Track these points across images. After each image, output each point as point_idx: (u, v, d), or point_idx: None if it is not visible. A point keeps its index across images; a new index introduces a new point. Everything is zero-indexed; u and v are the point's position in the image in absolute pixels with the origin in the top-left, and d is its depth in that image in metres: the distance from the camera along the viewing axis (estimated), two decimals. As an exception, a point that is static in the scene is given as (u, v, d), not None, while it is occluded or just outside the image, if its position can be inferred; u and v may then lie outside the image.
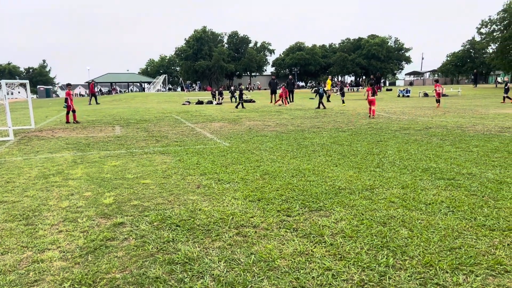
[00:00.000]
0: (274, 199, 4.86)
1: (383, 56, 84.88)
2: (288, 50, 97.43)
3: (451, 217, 4.11)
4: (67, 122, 14.97)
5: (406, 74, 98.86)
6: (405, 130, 11.31)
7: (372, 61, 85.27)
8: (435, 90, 21.76)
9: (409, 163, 6.83)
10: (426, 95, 35.19)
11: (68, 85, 16.26)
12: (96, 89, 39.74)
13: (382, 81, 53.11)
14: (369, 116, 15.40)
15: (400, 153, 7.75)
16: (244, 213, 4.36)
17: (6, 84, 12.15)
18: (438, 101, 21.28)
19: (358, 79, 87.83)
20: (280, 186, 5.43)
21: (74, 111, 14.81)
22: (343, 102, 25.32)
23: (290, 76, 33.16)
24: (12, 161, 7.88)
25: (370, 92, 15.61)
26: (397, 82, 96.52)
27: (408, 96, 35.81)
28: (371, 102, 15.49)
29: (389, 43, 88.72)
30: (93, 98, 34.39)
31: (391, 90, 47.57)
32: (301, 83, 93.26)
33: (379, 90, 46.35)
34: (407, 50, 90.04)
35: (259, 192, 5.15)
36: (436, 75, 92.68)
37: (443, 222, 3.98)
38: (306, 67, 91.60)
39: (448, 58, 79.28)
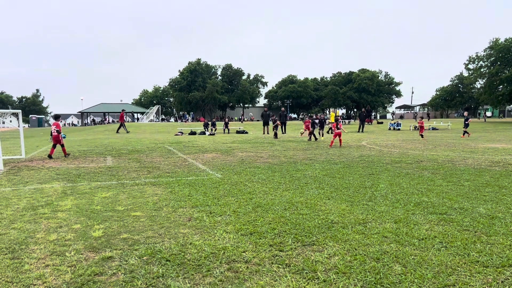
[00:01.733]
0: (266, 233, 4.81)
1: (374, 90, 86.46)
2: (280, 83, 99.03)
3: (444, 253, 4.08)
4: (50, 156, 13.74)
5: (396, 108, 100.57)
6: (396, 163, 11.38)
7: (363, 95, 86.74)
8: (420, 126, 23.52)
9: (401, 197, 6.84)
10: (416, 128, 35.68)
11: (57, 116, 15.05)
12: (124, 118, 39.98)
13: (372, 114, 53.90)
14: (340, 146, 17.31)
15: (392, 187, 7.77)
16: (236, 248, 4.29)
17: (-2, 113, 12.09)
18: (422, 135, 22.83)
19: (349, 111, 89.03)
20: (273, 220, 5.38)
21: (55, 146, 13.86)
22: (322, 135, 24.49)
23: (282, 108, 33.57)
24: (0, 192, 7.75)
25: (334, 127, 17.82)
26: (387, 116, 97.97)
27: (399, 129, 36.27)
28: (338, 135, 17.51)
29: (379, 77, 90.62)
30: (122, 126, 34.46)
31: (382, 123, 48.19)
32: (293, 115, 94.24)
33: (369, 123, 47.03)
34: (397, 84, 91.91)
35: (251, 226, 5.10)
36: (426, 108, 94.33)
37: (437, 258, 3.95)
38: (298, 100, 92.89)
39: (438, 93, 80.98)
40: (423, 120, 25.76)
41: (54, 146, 14.04)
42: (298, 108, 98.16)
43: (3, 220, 5.52)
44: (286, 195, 7.06)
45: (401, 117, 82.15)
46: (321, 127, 24.74)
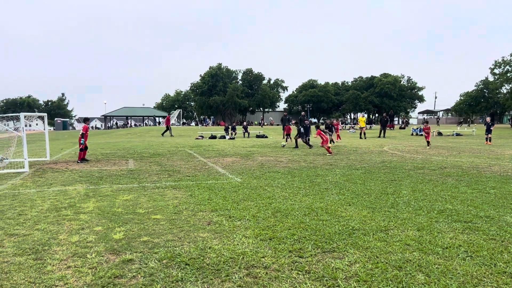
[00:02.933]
0: (286, 238, 4.76)
1: (396, 95, 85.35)
2: (301, 87, 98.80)
3: (470, 263, 3.96)
4: (80, 160, 13.61)
5: (419, 113, 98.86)
6: (419, 169, 11.15)
7: (385, 99, 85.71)
8: (426, 132, 20.49)
9: (424, 204, 6.68)
10: (440, 134, 34.97)
11: (86, 119, 15.43)
12: (171, 122, 40.69)
13: (395, 119, 53.18)
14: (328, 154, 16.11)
15: (415, 193, 7.60)
16: (255, 253, 4.26)
17: (25, 116, 12.43)
18: (428, 143, 20.09)
19: (371, 116, 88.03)
20: (292, 225, 5.33)
21: (82, 150, 13.66)
22: (332, 141, 22.54)
23: (302, 113, 33.35)
24: (26, 193, 7.94)
25: (321, 134, 17.03)
26: (410, 121, 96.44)
27: (421, 134, 35.59)
28: (326, 141, 16.81)
29: (402, 82, 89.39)
30: (168, 130, 35.02)
31: (404, 128, 47.40)
32: (314, 120, 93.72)
33: (391, 128, 46.32)
34: (420, 89, 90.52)
35: (270, 231, 5.06)
36: (450, 114, 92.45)
37: (462, 267, 3.83)
38: (319, 104, 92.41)
39: (462, 98, 79.21)
40: (428, 125, 21.42)
41: (84, 149, 13.82)
42: (319, 112, 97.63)
43: (27, 221, 5.64)
44: (306, 200, 6.99)
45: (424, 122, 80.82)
46: (331, 132, 22.94)
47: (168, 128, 35.44)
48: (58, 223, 5.55)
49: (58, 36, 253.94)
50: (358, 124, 36.10)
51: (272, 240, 4.69)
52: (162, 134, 34.71)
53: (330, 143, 21.17)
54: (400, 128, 48.03)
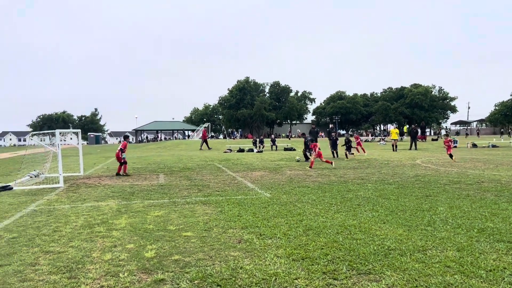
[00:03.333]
0: (319, 258, 4.63)
1: (427, 105, 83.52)
2: (329, 99, 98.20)
3: (518, 288, 3.72)
4: (125, 173, 14.19)
5: (451, 124, 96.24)
6: (455, 184, 10.75)
7: (416, 110, 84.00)
8: (446, 145, 18.96)
9: (463, 221, 6.40)
10: (474, 145, 33.81)
11: (126, 137, 16.55)
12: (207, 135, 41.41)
13: (427, 130, 51.83)
14: (310, 167, 16.00)
15: (452, 210, 7.30)
16: (288, 274, 4.16)
17: (60, 133, 12.82)
18: (451, 156, 18.72)
19: (401, 128, 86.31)
20: (325, 244, 5.19)
21: (123, 163, 14.25)
22: (347, 155, 21.15)
23: (331, 125, 33.02)
24: (61, 209, 8.12)
25: (317, 147, 16.68)
26: (443, 132, 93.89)
27: (455, 146, 34.53)
28: (319, 155, 16.54)
29: (433, 92, 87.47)
30: (204, 143, 35.59)
31: (436, 140, 46.11)
32: (342, 132, 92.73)
33: (423, 140, 45.14)
34: (452, 99, 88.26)
35: (302, 250, 4.94)
36: (484, 124, 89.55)
37: (509, 293, 3.60)
38: (347, 116, 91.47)
39: (497, 107, 76.61)
40: (449, 137, 20.68)
41: (122, 163, 14.30)
42: (347, 124, 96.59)
43: (62, 238, 5.74)
44: (338, 217, 6.83)
45: (457, 133, 78.40)
46: (348, 149, 21.35)
47: (205, 141, 35.82)
48: (92, 240, 5.62)
49: (91, 54, 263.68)
50: (389, 136, 35.20)
51: (304, 260, 4.57)
52: (201, 148, 34.89)
53: (347, 156, 20.75)
54: (433, 140, 46.75)
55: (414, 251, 4.87)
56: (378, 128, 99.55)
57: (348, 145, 21.26)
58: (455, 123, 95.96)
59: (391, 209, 7.51)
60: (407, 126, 33.44)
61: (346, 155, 21.02)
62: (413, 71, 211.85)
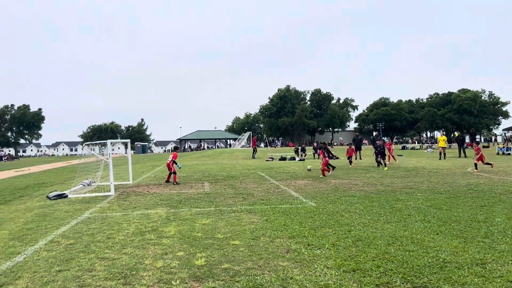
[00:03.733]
0: (370, 270, 4.51)
1: (477, 111, 79.91)
2: (372, 106, 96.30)
3: None
4: (175, 182, 14.64)
5: (503, 130, 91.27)
6: (512, 193, 10.17)
7: (464, 116, 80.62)
8: (477, 153, 17.10)
9: (525, 234, 6.02)
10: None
11: (176, 148, 17.08)
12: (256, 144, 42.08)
13: (477, 137, 49.41)
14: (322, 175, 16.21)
15: (511, 221, 6.90)
16: (339, 286, 4.08)
17: (111, 143, 13.36)
18: (490, 164, 17.35)
19: (451, 135, 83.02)
20: (376, 256, 5.05)
21: (174, 173, 14.88)
22: (379, 164, 20.10)
23: (375, 133, 32.30)
24: (113, 216, 8.44)
25: (322, 155, 16.89)
26: (494, 138, 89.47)
27: (509, 154, 32.70)
28: (326, 163, 16.64)
29: (482, 97, 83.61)
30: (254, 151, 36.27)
31: (488, 147, 43.92)
32: (386, 139, 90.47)
33: (472, 147, 43.07)
34: (504, 104, 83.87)
35: (353, 262, 4.83)
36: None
37: None
38: (392, 123, 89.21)
39: (555, 111, 71.97)
40: (479, 146, 18.59)
41: (173, 173, 14.96)
42: (392, 131, 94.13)
43: (116, 245, 5.95)
44: (388, 228, 6.63)
45: (509, 140, 74.23)
46: (382, 156, 20.18)
47: (255, 150, 36.05)
48: (143, 247, 5.79)
49: (137, 66, 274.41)
50: (437, 143, 33.67)
51: (356, 272, 4.47)
52: (253, 157, 34.92)
53: (379, 166, 19.71)
54: (484, 147, 44.55)
55: (472, 265, 4.63)
56: (424, 135, 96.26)
57: (379, 151, 20.27)
58: (507, 129, 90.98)
59: (443, 219, 7.20)
60: (458, 133, 31.47)
61: (380, 163, 20.21)
62: (461, 75, 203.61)
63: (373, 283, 4.15)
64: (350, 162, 22.38)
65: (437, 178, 14.40)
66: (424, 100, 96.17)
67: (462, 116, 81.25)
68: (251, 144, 39.67)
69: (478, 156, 16.97)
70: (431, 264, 4.68)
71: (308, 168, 19.49)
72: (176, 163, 15.08)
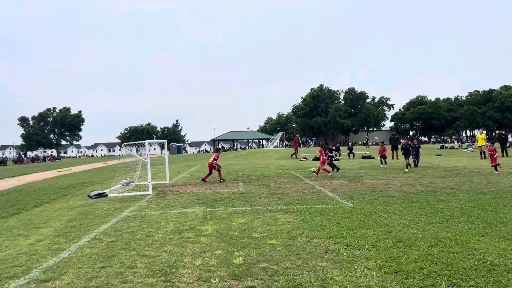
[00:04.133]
0: (413, 272, 4.38)
1: (521, 108, 76.24)
2: (408, 104, 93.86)
3: None
4: (221, 180, 15.50)
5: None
6: None
7: (507, 114, 77.17)
8: (490, 154, 16.07)
9: None
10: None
11: (218, 149, 17.93)
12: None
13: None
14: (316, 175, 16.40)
15: None
16: (381, 287, 3.97)
17: (148, 143, 13.66)
18: (495, 167, 15.77)
19: (493, 133, 79.75)
20: (419, 257, 4.90)
21: (219, 171, 15.67)
22: (408, 165, 18.39)
23: (412, 132, 31.40)
24: (151, 215, 8.62)
25: (322, 153, 16.73)
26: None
27: (558, 152, 30.93)
28: (323, 162, 16.69)
29: (527, 94, 79.67)
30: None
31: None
32: (424, 138, 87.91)
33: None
34: (552, 100, 79.54)
35: (394, 263, 4.70)
36: None
37: None
38: (429, 122, 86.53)
39: None
40: (493, 146, 16.93)
41: (218, 171, 15.71)
42: (429, 130, 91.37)
43: (155, 243, 6.07)
44: (430, 229, 6.42)
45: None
46: (406, 155, 18.92)
47: (296, 151, 35.85)
48: (182, 245, 5.87)
49: (171, 67, 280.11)
50: (476, 142, 32.12)
51: (398, 274, 4.35)
52: (296, 156, 34.64)
53: (407, 167, 17.90)
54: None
55: (523, 269, 4.40)
56: (464, 134, 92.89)
57: (406, 150, 18.97)
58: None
59: (489, 221, 6.90)
60: (500, 131, 29.33)
61: (414, 162, 19.31)
62: (502, 72, 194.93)
63: (417, 285, 4.02)
64: (382, 162, 21.51)
65: (480, 178, 13.83)
66: (464, 98, 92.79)
67: (504, 114, 77.74)
68: (292, 144, 39.15)
69: (491, 157, 15.85)
70: (477, 267, 4.48)
71: (313, 170, 18.44)
72: (217, 164, 15.77)
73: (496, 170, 15.70)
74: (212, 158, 15.71)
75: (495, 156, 15.83)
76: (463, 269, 4.42)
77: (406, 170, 17.48)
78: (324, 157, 16.82)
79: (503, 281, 4.05)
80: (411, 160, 19.13)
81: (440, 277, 4.21)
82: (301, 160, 30.34)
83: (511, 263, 4.58)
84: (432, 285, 4.00)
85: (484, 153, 25.59)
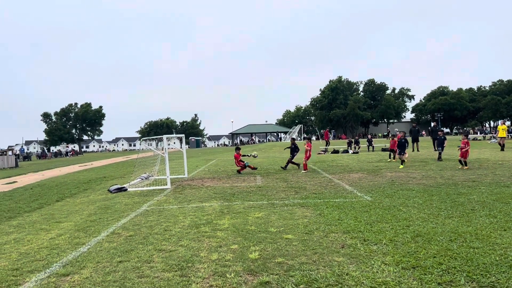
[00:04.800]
0: (432, 267, 4.29)
1: (548, 97, 73.88)
2: (429, 95, 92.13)
3: None
4: (253, 168, 17.09)
5: None
6: None
7: (533, 104, 74.77)
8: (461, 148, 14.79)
9: None
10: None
11: (238, 148, 17.91)
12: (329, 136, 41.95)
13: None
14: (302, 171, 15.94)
15: None
16: (398, 283, 3.92)
17: (167, 138, 13.76)
18: (462, 163, 14.61)
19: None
20: (437, 252, 4.80)
21: (245, 167, 16.61)
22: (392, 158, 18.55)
23: (433, 123, 30.69)
24: (169, 209, 8.71)
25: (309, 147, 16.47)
26: None
27: None
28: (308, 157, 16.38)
29: (554, 82, 77.12)
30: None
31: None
32: (446, 130, 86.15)
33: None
34: None
35: (412, 258, 4.63)
36: None
37: None
38: (451, 112, 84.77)
39: None
40: (467, 139, 15.38)
41: (244, 167, 16.67)
42: (451, 122, 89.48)
43: (172, 237, 6.13)
44: (450, 223, 6.29)
45: None
46: (401, 149, 17.26)
47: (327, 143, 35.67)
48: (199, 239, 5.91)
49: (191, 64, 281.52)
50: (497, 133, 30.84)
51: (416, 269, 4.27)
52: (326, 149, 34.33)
53: (403, 163, 16.22)
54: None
55: (546, 264, 4.27)
56: (487, 125, 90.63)
57: (402, 144, 17.36)
58: None
59: (511, 215, 6.71)
60: (505, 124, 27.69)
61: (439, 155, 18.54)
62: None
63: (435, 281, 3.94)
64: (390, 155, 20.29)
65: (503, 170, 13.47)
66: (487, 88, 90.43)
67: (530, 103, 75.59)
68: (324, 137, 38.73)
69: (461, 150, 14.74)
70: (499, 263, 4.37)
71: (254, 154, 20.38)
72: (242, 161, 16.74)
73: (464, 165, 14.51)
74: (235, 159, 16.85)
75: (463, 149, 14.63)
76: (483, 265, 4.32)
77: (401, 166, 16.06)
78: (310, 153, 16.69)
79: (525, 278, 3.93)
80: (408, 152, 18.14)
81: (459, 273, 4.12)
82: (319, 153, 30.14)
83: (534, 259, 4.45)
84: (450, 281, 3.92)
85: (503, 145, 24.79)
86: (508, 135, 31.07)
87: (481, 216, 6.71)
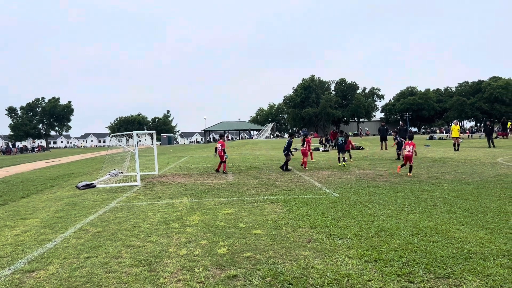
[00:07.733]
0: (393, 260, 4.49)
1: (509, 100, 77.13)
2: (398, 95, 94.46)
3: None
4: (224, 172, 14.91)
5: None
6: (545, 184, 9.82)
7: (496, 105, 78.08)
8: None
9: (556, 225, 5.83)
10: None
11: (221, 135, 17.00)
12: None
13: (509, 127, 47.45)
14: (302, 167, 16.02)
15: (542, 213, 6.69)
16: (360, 275, 4.08)
17: (137, 134, 13.61)
18: (408, 166, 12.98)
19: (480, 124, 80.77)
20: (399, 246, 5.01)
21: (224, 162, 15.01)
22: (340, 160, 16.62)
23: (401, 123, 31.49)
24: (139, 205, 8.65)
25: (306, 145, 16.67)
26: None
27: (543, 143, 31.46)
28: (303, 154, 16.52)
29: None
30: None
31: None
32: (414, 129, 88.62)
33: (504, 137, 41.67)
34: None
35: (375, 252, 4.81)
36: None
37: None
38: (419, 112, 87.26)
39: None
40: (411, 140, 13.10)
41: (221, 162, 15.15)
42: (419, 121, 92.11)
43: (141, 233, 6.11)
44: (412, 218, 6.55)
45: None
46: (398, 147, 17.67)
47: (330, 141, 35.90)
48: (168, 235, 5.92)
49: (164, 61, 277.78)
50: (450, 133, 30.89)
51: (377, 262, 4.46)
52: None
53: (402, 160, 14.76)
54: (516, 136, 43.04)
55: (498, 256, 4.54)
56: (451, 124, 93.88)
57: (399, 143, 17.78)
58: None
59: (470, 210, 7.06)
60: (457, 124, 27.79)
61: (339, 159, 16.82)
62: (491, 63, 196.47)
63: (395, 273, 4.12)
64: (339, 159, 16.89)
65: (465, 168, 14.05)
66: (453, 89, 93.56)
67: (493, 105, 78.66)
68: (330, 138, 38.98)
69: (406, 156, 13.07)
70: (455, 255, 4.61)
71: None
72: (225, 152, 15.06)
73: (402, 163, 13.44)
74: (219, 147, 15.03)
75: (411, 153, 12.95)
76: (441, 257, 4.54)
77: (342, 163, 16.23)
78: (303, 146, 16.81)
79: (478, 269, 4.17)
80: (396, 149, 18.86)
81: (418, 265, 4.32)
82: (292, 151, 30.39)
83: (487, 251, 4.71)
84: (409, 273, 4.11)
85: (458, 145, 24.66)
86: (470, 134, 32.14)
87: (441, 211, 7.02)
